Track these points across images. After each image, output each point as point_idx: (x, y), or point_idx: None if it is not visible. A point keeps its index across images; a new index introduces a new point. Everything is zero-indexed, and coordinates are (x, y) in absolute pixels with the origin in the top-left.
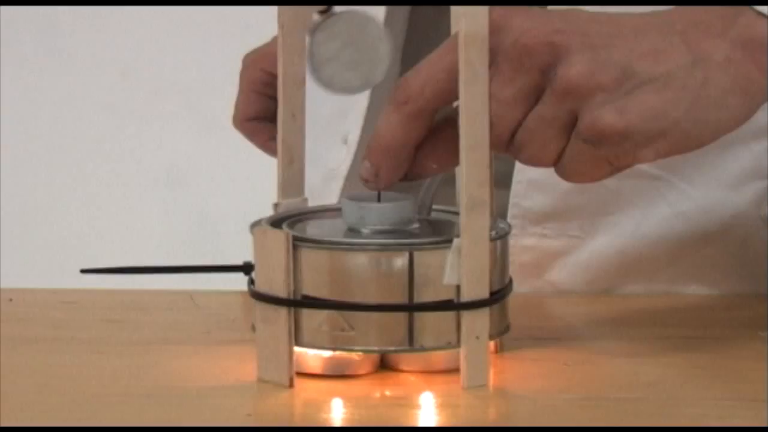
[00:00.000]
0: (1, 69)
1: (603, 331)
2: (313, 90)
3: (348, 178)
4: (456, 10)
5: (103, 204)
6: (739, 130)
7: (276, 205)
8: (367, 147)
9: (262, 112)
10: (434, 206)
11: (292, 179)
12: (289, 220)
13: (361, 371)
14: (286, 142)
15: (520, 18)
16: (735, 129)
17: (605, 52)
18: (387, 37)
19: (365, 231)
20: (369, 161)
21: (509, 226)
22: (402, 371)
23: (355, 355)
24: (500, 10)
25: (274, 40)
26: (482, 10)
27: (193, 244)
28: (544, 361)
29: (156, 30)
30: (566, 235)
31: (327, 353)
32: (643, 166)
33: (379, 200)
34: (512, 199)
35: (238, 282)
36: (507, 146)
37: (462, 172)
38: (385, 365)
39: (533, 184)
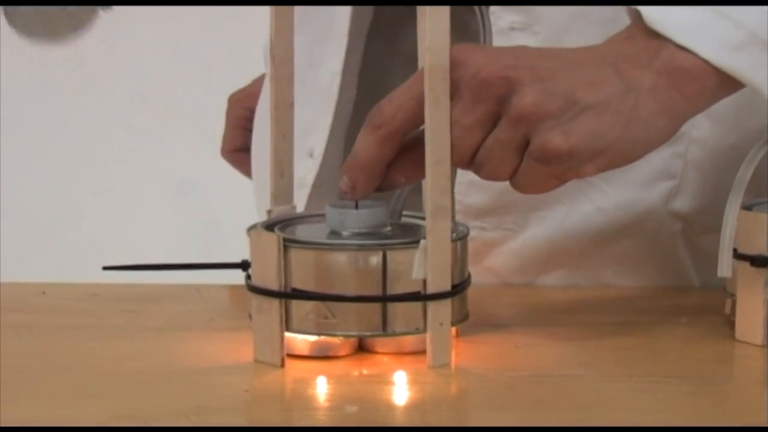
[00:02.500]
0: (40, 99)
1: (546, 318)
2: None
3: (314, 186)
4: (422, 45)
5: (124, 209)
6: None
7: (269, 212)
8: (345, 164)
9: (246, 143)
10: (403, 212)
11: (282, 190)
12: (281, 224)
13: (342, 353)
14: (277, 158)
15: (477, 54)
16: (661, 145)
17: (551, 84)
18: None
19: (345, 233)
20: (347, 176)
21: (467, 228)
22: (377, 353)
23: (336, 339)
24: (459, 47)
25: (254, 81)
26: (445, 46)
27: (199, 243)
28: (497, 344)
29: (169, 63)
30: (502, 227)
31: (313, 338)
32: None
33: (356, 207)
34: (456, 197)
35: (237, 277)
36: (468, 165)
37: (427, 182)
38: (362, 348)
39: (474, 184)
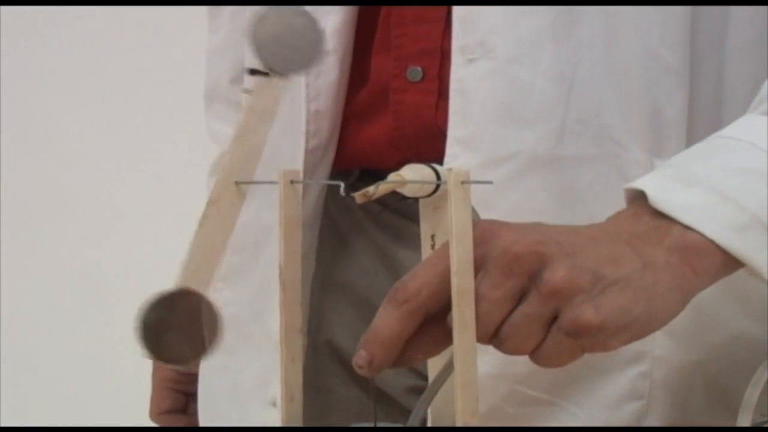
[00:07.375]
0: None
1: None
2: (232, 365)
3: None
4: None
5: None
6: (615, 358)
7: None
8: (364, 337)
9: (175, 405)
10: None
11: (293, 414)
12: None
13: None
14: (287, 382)
15: (504, 230)
16: (672, 319)
17: (578, 260)
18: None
19: None
20: (365, 351)
21: None
22: None
23: None
24: (484, 224)
25: None
26: (470, 269)
27: None
28: None
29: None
30: None
31: None
32: (539, 394)
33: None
34: None
35: None
36: (491, 339)
37: (456, 405)
38: None
39: None
